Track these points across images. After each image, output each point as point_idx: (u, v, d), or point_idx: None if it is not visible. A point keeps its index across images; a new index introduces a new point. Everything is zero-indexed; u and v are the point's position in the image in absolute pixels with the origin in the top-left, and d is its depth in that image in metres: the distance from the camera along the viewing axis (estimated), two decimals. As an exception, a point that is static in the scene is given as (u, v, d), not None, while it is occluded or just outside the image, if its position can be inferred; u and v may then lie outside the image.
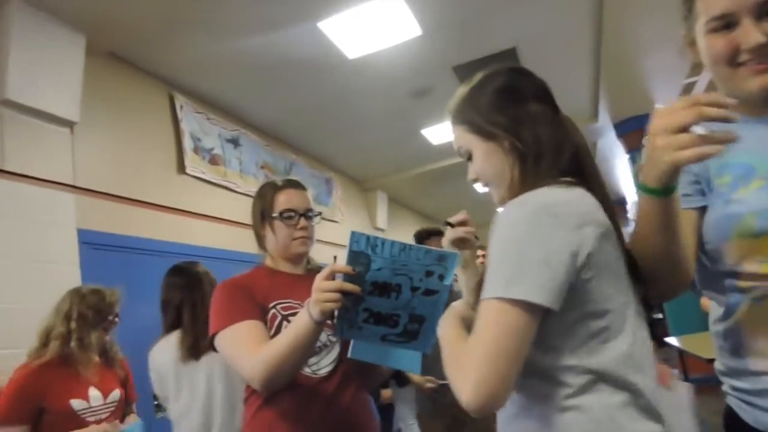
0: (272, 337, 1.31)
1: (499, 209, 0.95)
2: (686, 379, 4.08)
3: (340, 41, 3.69)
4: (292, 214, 1.48)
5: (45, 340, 2.02)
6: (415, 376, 2.84)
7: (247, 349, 1.27)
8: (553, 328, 0.82)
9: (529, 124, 0.93)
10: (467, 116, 0.99)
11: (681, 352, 4.18)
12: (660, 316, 6.89)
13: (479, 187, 1.02)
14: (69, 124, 2.94)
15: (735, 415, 1.01)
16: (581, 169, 0.93)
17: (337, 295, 1.05)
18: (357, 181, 7.04)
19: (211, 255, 3.78)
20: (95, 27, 2.95)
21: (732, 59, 0.91)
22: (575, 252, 0.79)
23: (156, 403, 2.55)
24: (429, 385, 2.80)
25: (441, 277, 1.02)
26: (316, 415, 1.33)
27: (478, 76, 1.01)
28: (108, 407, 2.08)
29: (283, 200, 1.49)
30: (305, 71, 4.03)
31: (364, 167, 6.63)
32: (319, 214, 1.58)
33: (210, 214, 4.01)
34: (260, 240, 1.53)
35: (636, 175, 0.82)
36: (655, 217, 0.82)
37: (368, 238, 1.00)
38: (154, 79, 3.77)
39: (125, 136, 3.42)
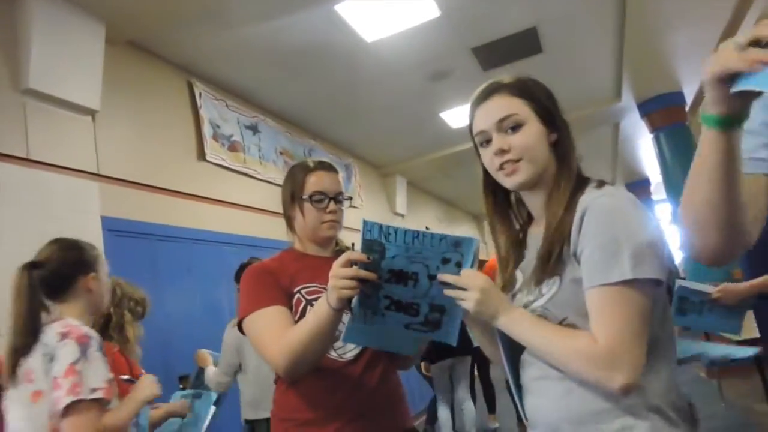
0: (297, 321, 1.32)
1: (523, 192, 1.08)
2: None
3: (357, 24, 3.66)
4: (322, 197, 1.45)
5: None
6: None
7: (270, 336, 1.28)
8: None
9: (568, 131, 1.06)
10: (536, 93, 1.04)
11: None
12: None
13: (498, 159, 1.02)
14: (91, 112, 2.97)
15: None
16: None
17: (353, 282, 1.04)
18: (376, 166, 7.01)
19: (232, 241, 3.82)
20: (114, 16, 2.97)
21: None
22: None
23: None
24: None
25: (458, 265, 0.99)
26: (341, 398, 1.33)
27: (518, 75, 1.08)
28: None
29: (314, 182, 1.46)
30: (323, 56, 4.01)
31: (382, 152, 6.59)
32: (350, 198, 1.56)
33: (230, 200, 4.02)
34: (289, 221, 1.51)
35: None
36: (713, 156, 0.76)
37: (380, 227, 0.99)
38: (173, 67, 3.78)
39: (146, 123, 3.45)
